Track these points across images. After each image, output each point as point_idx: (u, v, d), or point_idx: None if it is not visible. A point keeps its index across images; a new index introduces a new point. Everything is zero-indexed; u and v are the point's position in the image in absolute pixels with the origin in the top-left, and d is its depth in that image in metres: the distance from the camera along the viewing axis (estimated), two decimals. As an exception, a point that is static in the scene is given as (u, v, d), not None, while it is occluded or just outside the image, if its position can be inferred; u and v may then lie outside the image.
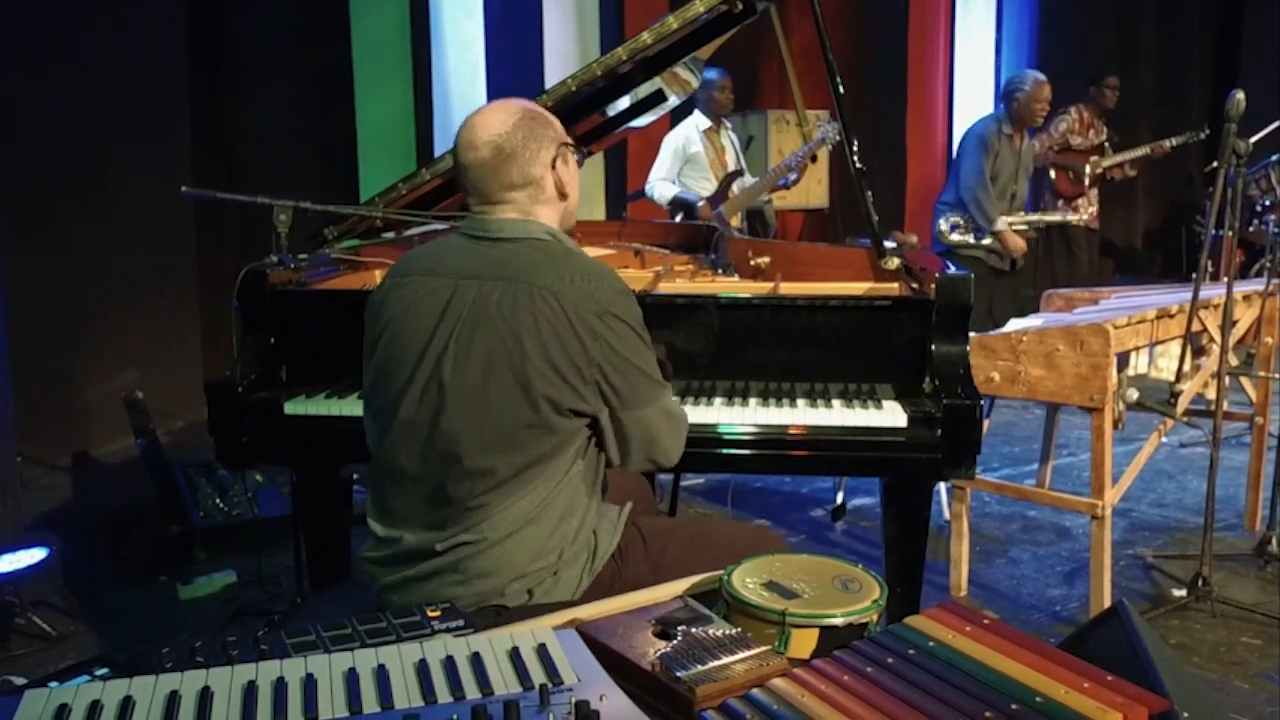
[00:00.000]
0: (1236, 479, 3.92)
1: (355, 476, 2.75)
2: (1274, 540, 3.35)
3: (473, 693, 1.22)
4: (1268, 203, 6.20)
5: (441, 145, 5.75)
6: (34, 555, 3.03)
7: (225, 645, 1.40)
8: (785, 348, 2.31)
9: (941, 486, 3.48)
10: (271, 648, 1.39)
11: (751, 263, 2.95)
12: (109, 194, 4.70)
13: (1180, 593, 3.15)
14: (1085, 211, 6.30)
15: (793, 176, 5.07)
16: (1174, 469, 4.45)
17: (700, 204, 5.05)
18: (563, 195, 1.86)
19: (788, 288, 2.56)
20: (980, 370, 2.88)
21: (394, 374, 1.78)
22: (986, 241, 5.34)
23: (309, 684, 1.25)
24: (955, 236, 5.37)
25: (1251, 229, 6.24)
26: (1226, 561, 3.40)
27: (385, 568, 1.81)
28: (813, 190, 6.86)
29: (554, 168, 1.82)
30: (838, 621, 1.39)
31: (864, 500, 4.03)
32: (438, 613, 1.52)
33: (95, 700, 1.21)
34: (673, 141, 5.25)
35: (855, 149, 2.53)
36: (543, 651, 1.30)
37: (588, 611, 1.52)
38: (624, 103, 2.88)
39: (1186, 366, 3.03)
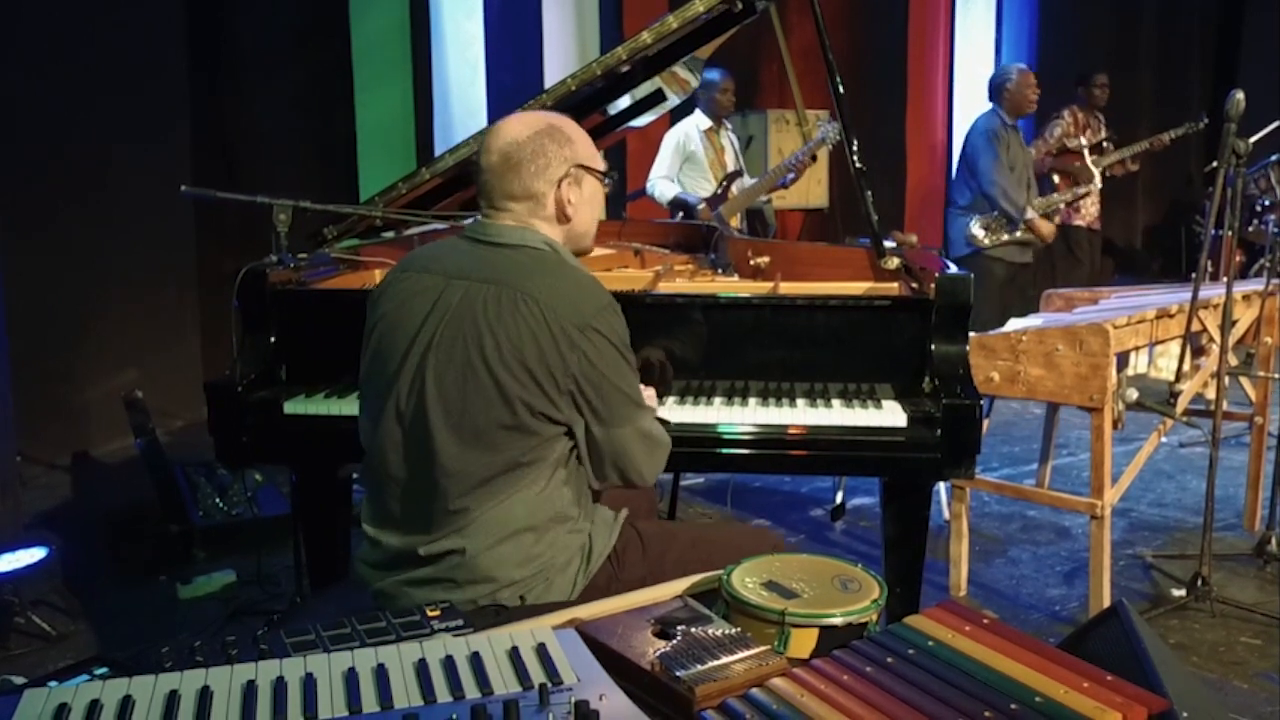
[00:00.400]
0: (1236, 479, 3.93)
1: (355, 476, 2.75)
2: (1273, 540, 3.35)
3: (472, 692, 1.22)
4: (1267, 202, 6.20)
5: (441, 145, 5.74)
6: (33, 555, 3.03)
7: (225, 645, 1.40)
8: (785, 347, 2.31)
9: (941, 486, 3.48)
10: (271, 647, 1.39)
11: (751, 262, 2.95)
12: (109, 194, 4.70)
13: (1180, 592, 3.15)
14: (1087, 213, 6.30)
15: (791, 176, 5.07)
16: (1173, 469, 4.45)
17: (700, 206, 5.05)
18: (564, 217, 1.82)
19: (787, 287, 2.56)
20: (980, 370, 2.88)
21: (383, 368, 1.80)
22: (1019, 234, 5.33)
23: (308, 683, 1.25)
24: (988, 238, 5.34)
25: (1251, 229, 6.24)
26: (1226, 561, 3.40)
27: (378, 571, 1.82)
28: (812, 190, 6.85)
29: (559, 187, 1.79)
30: (837, 621, 1.39)
31: (863, 500, 4.03)
32: (437, 612, 1.52)
33: (95, 699, 1.21)
34: (673, 138, 5.24)
35: (855, 149, 2.53)
36: (542, 651, 1.30)
37: (587, 611, 1.52)
38: (624, 102, 2.89)
39: (1186, 366, 3.04)
